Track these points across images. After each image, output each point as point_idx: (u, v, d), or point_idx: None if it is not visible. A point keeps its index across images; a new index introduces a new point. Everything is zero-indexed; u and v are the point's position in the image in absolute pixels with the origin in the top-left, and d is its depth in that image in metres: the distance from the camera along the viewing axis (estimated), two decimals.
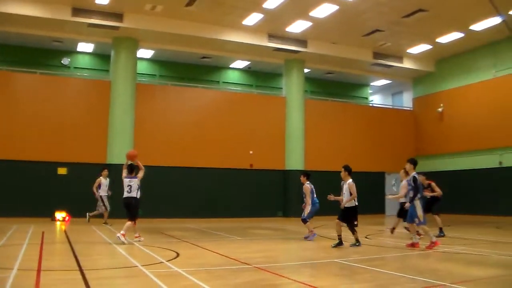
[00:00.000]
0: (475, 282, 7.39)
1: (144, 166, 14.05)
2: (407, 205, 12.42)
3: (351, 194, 12.59)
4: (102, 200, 19.92)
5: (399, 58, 29.18)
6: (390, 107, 34.57)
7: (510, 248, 12.18)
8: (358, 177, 28.25)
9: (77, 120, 23.12)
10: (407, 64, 29.55)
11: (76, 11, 21.77)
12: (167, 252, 10.94)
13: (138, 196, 13.65)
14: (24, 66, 23.69)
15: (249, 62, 29.23)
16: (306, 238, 15.05)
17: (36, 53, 25.33)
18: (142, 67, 27.19)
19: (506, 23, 19.48)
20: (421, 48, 27.78)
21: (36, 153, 22.16)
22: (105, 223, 19.58)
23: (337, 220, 12.88)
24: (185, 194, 24.30)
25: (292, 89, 27.90)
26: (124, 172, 13.75)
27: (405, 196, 13.43)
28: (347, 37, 26.12)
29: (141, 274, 8.07)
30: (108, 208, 19.94)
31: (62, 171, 22.82)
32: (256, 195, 26.16)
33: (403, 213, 14.44)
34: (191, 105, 25.55)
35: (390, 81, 33.81)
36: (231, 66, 30.15)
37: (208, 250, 11.56)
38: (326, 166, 26.93)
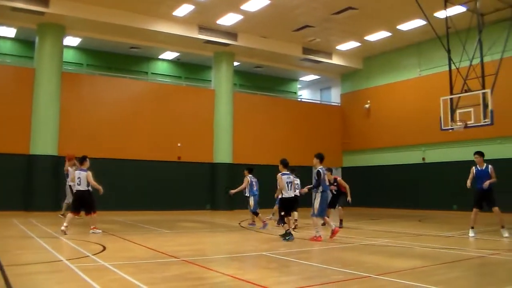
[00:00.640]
0: (399, 273, 7.62)
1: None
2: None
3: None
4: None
5: (328, 54, 29.71)
6: (319, 102, 35.13)
7: (431, 240, 12.65)
8: None
9: None
10: (336, 60, 30.13)
11: None
12: (93, 245, 10.70)
13: (90, 189, 13.69)
14: None
15: (178, 54, 29.04)
16: (262, 228, 15.70)
17: None
18: (68, 55, 26.47)
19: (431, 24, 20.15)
20: (350, 45, 28.43)
21: None
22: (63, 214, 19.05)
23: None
24: (112, 186, 23.59)
25: (221, 82, 27.87)
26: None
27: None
28: (277, 32, 26.32)
29: (66, 269, 7.84)
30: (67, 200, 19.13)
31: None
32: (184, 188, 25.99)
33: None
34: (119, 96, 25.07)
35: (319, 77, 34.40)
36: (160, 57, 29.84)
37: (136, 243, 11.39)
38: (254, 160, 27.10)
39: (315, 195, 12.77)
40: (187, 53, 28.24)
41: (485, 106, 17.88)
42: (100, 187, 13.69)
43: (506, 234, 13.05)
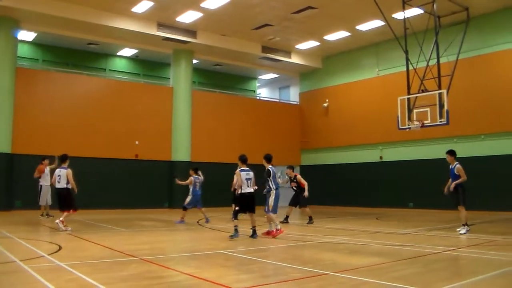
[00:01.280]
0: (356, 270, 7.69)
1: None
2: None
3: None
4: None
5: (287, 53, 29.83)
6: (277, 100, 35.27)
7: (388, 237, 12.82)
8: None
9: None
10: (295, 59, 30.27)
11: None
12: (49, 245, 10.49)
13: (69, 186, 13.85)
14: None
15: (137, 51, 28.73)
16: (177, 222, 17.18)
17: None
18: (23, 51, 25.86)
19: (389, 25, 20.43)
20: (309, 44, 28.60)
21: None
22: (42, 215, 19.04)
23: None
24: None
25: (180, 79, 27.67)
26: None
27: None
28: (237, 30, 26.29)
29: (19, 270, 7.65)
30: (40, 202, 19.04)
31: None
32: (142, 186, 25.71)
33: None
34: (76, 93, 24.60)
35: (278, 75, 34.53)
36: (118, 53, 29.46)
37: (92, 242, 11.22)
38: (213, 158, 27.09)
39: (269, 193, 13.39)
40: (145, 50, 27.95)
41: (441, 106, 18.21)
42: (75, 187, 13.93)
43: (463, 231, 13.38)
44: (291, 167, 17.86)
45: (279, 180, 14.99)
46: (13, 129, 22.35)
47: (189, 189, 17.56)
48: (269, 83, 37.32)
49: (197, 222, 17.79)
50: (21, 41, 25.12)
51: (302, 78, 33.49)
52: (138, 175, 25.70)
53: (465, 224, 13.57)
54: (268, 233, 13.08)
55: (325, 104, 30.86)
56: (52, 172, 16.29)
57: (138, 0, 22.33)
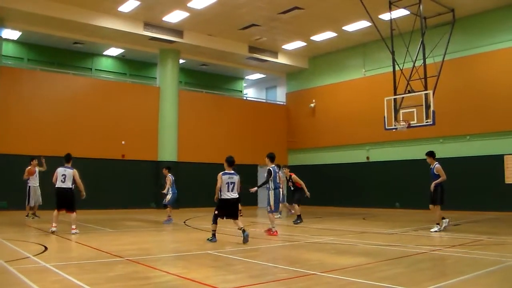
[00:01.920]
0: (343, 270, 7.71)
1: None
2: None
3: None
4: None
5: (274, 53, 29.87)
6: (264, 101, 35.29)
7: (374, 237, 12.87)
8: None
9: None
10: (281, 59, 30.31)
11: None
12: (34, 246, 10.41)
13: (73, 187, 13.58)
14: None
15: (123, 50, 28.61)
16: (165, 222, 17.29)
17: None
18: (7, 49, 25.65)
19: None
20: (296, 44, 28.65)
21: None
22: (28, 215, 18.87)
23: None
24: (54, 185, 23.17)
25: (167, 79, 27.60)
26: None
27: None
28: (223, 30, 26.26)
29: (4, 271, 7.57)
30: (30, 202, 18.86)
31: None
32: (128, 186, 25.61)
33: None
34: (61, 92, 24.44)
35: (265, 75, 34.56)
36: (104, 53, 29.32)
37: (79, 243, 11.17)
38: (199, 158, 27.04)
39: (268, 192, 13.47)
40: (132, 49, 27.84)
41: (427, 106, 18.32)
42: (83, 189, 13.83)
43: (434, 229, 13.83)
44: (287, 167, 18.07)
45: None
46: None
47: (165, 190, 17.81)
48: (256, 83, 37.34)
49: (184, 222, 17.76)
50: (6, 39, 24.93)
51: (288, 78, 33.54)
52: (124, 175, 25.60)
53: (438, 224, 13.95)
54: (271, 232, 13.30)
55: (312, 105, 30.93)
56: (53, 172, 15.50)
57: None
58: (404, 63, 20.16)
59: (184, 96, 28.38)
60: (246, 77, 35.97)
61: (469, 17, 23.33)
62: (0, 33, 23.03)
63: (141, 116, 26.66)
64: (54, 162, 22.79)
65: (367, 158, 27.68)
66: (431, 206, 14.13)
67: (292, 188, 17.72)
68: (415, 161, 24.53)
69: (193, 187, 26.01)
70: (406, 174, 24.76)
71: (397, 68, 20.04)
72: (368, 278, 7.00)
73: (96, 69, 29.43)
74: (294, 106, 32.79)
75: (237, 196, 11.74)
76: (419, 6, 19.86)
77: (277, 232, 13.16)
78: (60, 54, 27.91)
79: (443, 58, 20.76)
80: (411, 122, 18.88)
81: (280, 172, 15.71)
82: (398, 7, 20.69)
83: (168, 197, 17.46)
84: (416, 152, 24.73)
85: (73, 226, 13.20)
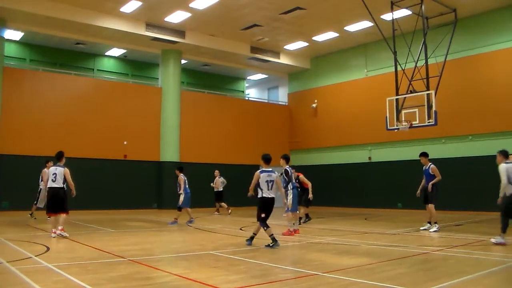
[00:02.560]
0: (345, 270, 7.71)
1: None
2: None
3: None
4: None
5: (276, 54, 29.86)
6: (266, 101, 35.27)
7: (376, 238, 12.86)
8: (233, 169, 28.71)
9: None
10: (283, 59, 30.31)
11: None
12: (36, 246, 10.42)
13: (65, 186, 12.67)
14: None
15: (125, 51, 28.64)
16: (173, 223, 16.95)
17: None
18: (10, 50, 25.68)
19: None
20: (298, 45, 28.64)
21: None
22: (32, 214, 18.85)
23: None
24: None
25: (169, 79, 27.61)
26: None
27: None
28: (225, 30, 26.26)
29: (6, 271, 7.59)
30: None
31: None
32: (130, 186, 25.62)
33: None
34: (63, 93, 24.47)
35: (267, 76, 34.58)
36: (106, 53, 29.36)
37: (81, 243, 11.16)
38: (201, 158, 27.02)
39: (287, 192, 13.33)
40: (134, 50, 27.86)
41: (429, 106, 18.28)
42: (73, 188, 12.80)
43: (425, 227, 14.34)
44: (294, 167, 17.89)
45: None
46: (0, 128, 22.19)
47: (178, 191, 17.55)
48: (258, 84, 37.34)
49: (186, 223, 17.75)
50: (8, 40, 24.95)
51: (290, 78, 33.54)
52: (126, 175, 25.61)
53: (436, 222, 14.27)
54: (289, 232, 13.34)
55: (314, 105, 30.92)
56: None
57: (126, 0, 22.24)
58: (406, 63, 20.13)
59: (186, 97, 28.39)
60: (248, 78, 35.99)
61: (471, 17, 23.32)
62: (2, 34, 23.03)
63: (143, 117, 26.68)
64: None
65: (369, 158, 27.66)
66: (430, 205, 14.32)
67: (298, 189, 17.37)
68: (417, 161, 24.32)
69: (195, 187, 25.93)
70: (408, 174, 24.58)
71: (399, 68, 20.00)
72: (370, 278, 7.00)
73: (98, 70, 29.46)
74: (296, 107, 32.78)
75: (274, 196, 11.21)
76: (421, 6, 19.84)
77: (298, 231, 13.41)
78: (62, 54, 27.94)
79: (445, 58, 20.71)
80: (413, 122, 18.84)
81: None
82: (400, 7, 20.66)
83: (181, 198, 17.21)
84: (418, 152, 24.46)
85: (60, 227, 12.34)
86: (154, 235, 14.22)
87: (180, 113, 27.66)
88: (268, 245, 10.69)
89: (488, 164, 22.18)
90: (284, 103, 33.75)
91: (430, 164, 14.50)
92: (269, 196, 11.08)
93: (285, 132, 32.67)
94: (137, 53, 28.69)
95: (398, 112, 19.59)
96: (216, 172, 23.48)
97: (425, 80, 19.04)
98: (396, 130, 20.13)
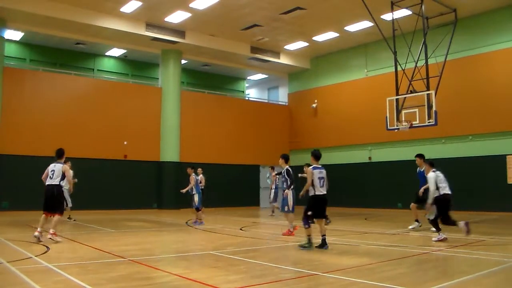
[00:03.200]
0: (346, 270, 7.70)
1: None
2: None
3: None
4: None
5: (276, 54, 29.86)
6: (266, 101, 35.27)
7: (377, 238, 12.86)
8: (233, 169, 28.70)
9: None
10: (283, 59, 30.31)
11: None
12: (36, 246, 10.41)
13: (62, 184, 11.87)
14: None
15: (125, 51, 28.64)
16: (195, 223, 16.67)
17: None
18: (10, 50, 25.68)
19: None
20: (298, 45, 28.65)
21: None
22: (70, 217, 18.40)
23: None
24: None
25: (169, 79, 27.61)
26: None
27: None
28: (225, 30, 26.26)
29: (6, 271, 7.59)
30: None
31: None
32: (130, 186, 25.63)
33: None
34: (63, 93, 24.48)
35: (267, 76, 34.57)
36: (106, 53, 29.36)
37: (81, 243, 11.15)
38: (201, 158, 27.01)
39: (287, 192, 13.36)
40: (134, 50, 27.86)
41: (430, 107, 18.29)
42: (71, 186, 12.35)
43: (412, 227, 14.53)
44: (308, 165, 17.75)
45: (268, 181, 15.07)
46: (0, 129, 22.19)
47: (190, 192, 17.11)
48: (258, 84, 37.34)
49: (186, 223, 17.76)
50: (8, 40, 24.95)
51: (290, 78, 33.54)
52: (126, 175, 25.62)
53: (417, 220, 14.64)
54: (289, 232, 13.32)
55: (314, 105, 30.92)
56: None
57: (126, 0, 22.25)
58: (406, 63, 20.14)
59: (186, 97, 28.39)
60: (248, 78, 35.99)
61: (471, 17, 23.33)
62: (2, 34, 23.03)
63: (143, 117, 26.69)
64: (48, 162, 22.89)
65: (369, 158, 27.66)
66: (411, 204, 14.59)
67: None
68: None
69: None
70: (408, 174, 24.53)
71: (399, 68, 20.01)
72: (370, 278, 7.00)
73: (98, 70, 29.46)
74: (296, 107, 32.78)
75: (326, 193, 10.97)
76: (421, 6, 19.85)
77: (293, 232, 13.30)
78: (62, 54, 27.94)
79: (445, 58, 20.72)
80: (413, 123, 18.86)
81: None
82: (400, 7, 20.67)
83: (196, 198, 16.82)
84: (418, 152, 24.68)
85: (51, 231, 11.24)
86: (154, 235, 14.22)
87: (180, 113, 27.66)
88: (303, 246, 10.48)
89: (488, 164, 22.29)
90: (284, 103, 33.75)
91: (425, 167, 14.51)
92: (322, 194, 10.89)
93: (285, 132, 32.66)
94: (137, 53, 28.70)
95: (398, 112, 19.60)
96: (199, 170, 22.62)
97: (425, 80, 19.04)
98: (396, 130, 20.14)
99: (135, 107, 26.44)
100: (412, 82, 19.63)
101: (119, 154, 25.57)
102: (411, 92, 19.28)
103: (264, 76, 34.81)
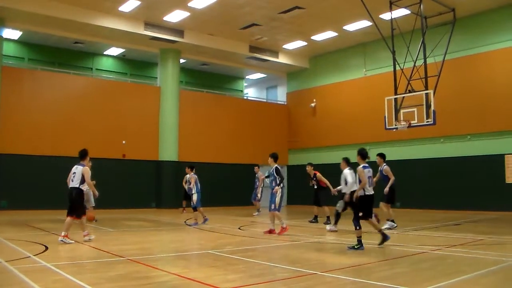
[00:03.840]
0: (344, 270, 7.71)
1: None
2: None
3: (360, 181, 11.20)
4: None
5: (275, 53, 29.85)
6: (265, 100, 35.27)
7: (375, 237, 12.78)
8: (232, 168, 28.70)
9: None
10: (282, 59, 30.29)
11: None
12: (35, 245, 10.41)
13: (83, 188, 11.69)
14: None
15: (123, 50, 28.60)
16: (194, 224, 16.24)
17: None
18: (8, 49, 25.63)
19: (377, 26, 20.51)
20: (297, 44, 28.63)
21: None
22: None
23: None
24: (55, 184, 23.12)
25: (167, 79, 27.59)
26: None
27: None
28: (224, 30, 26.25)
29: (5, 271, 7.58)
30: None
31: None
32: (129, 185, 25.60)
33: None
34: (62, 92, 24.44)
35: (265, 75, 34.55)
36: (105, 53, 29.31)
37: (79, 242, 11.14)
38: (200, 158, 27.00)
39: (276, 188, 13.41)
40: (132, 49, 27.83)
41: (428, 106, 18.31)
42: (94, 190, 12.08)
43: (386, 226, 14.55)
44: (311, 164, 17.80)
45: (266, 180, 15.07)
46: None
47: (189, 191, 17.00)
48: (257, 83, 37.32)
49: (185, 222, 17.76)
50: (7, 39, 24.90)
51: (289, 78, 33.54)
52: (125, 174, 25.60)
53: (392, 220, 14.91)
54: (270, 231, 13.33)
55: (313, 104, 30.92)
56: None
57: None
58: (404, 62, 20.14)
59: (185, 96, 28.38)
60: (247, 77, 35.97)
61: (470, 17, 23.32)
62: (1, 33, 23.00)
63: (141, 116, 26.66)
64: (54, 161, 22.95)
65: (368, 157, 27.62)
66: (382, 204, 15.12)
67: (315, 187, 17.29)
68: (416, 160, 24.57)
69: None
70: (407, 173, 24.67)
71: (397, 67, 20.03)
72: (369, 277, 7.02)
73: (96, 69, 29.42)
74: (295, 106, 32.77)
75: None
76: (420, 5, 19.85)
77: (287, 228, 13.37)
78: (61, 53, 27.89)
79: (444, 57, 20.73)
80: (412, 122, 18.88)
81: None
82: (399, 6, 20.67)
83: (194, 198, 16.53)
84: (417, 151, 24.80)
85: (63, 233, 11.05)
86: (153, 235, 14.21)
87: (179, 113, 27.64)
88: (352, 247, 10.33)
89: (486, 164, 22.31)
90: (282, 103, 33.74)
91: (384, 165, 15.22)
92: (371, 193, 11.03)
93: (283, 131, 32.65)
94: (136, 52, 28.67)
95: (397, 111, 19.63)
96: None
97: (423, 79, 19.05)
98: (394, 130, 20.17)
99: (133, 106, 26.41)
100: (410, 82, 19.64)
101: (117, 154, 25.54)
102: (410, 92, 19.30)
103: (262, 75, 34.79)
